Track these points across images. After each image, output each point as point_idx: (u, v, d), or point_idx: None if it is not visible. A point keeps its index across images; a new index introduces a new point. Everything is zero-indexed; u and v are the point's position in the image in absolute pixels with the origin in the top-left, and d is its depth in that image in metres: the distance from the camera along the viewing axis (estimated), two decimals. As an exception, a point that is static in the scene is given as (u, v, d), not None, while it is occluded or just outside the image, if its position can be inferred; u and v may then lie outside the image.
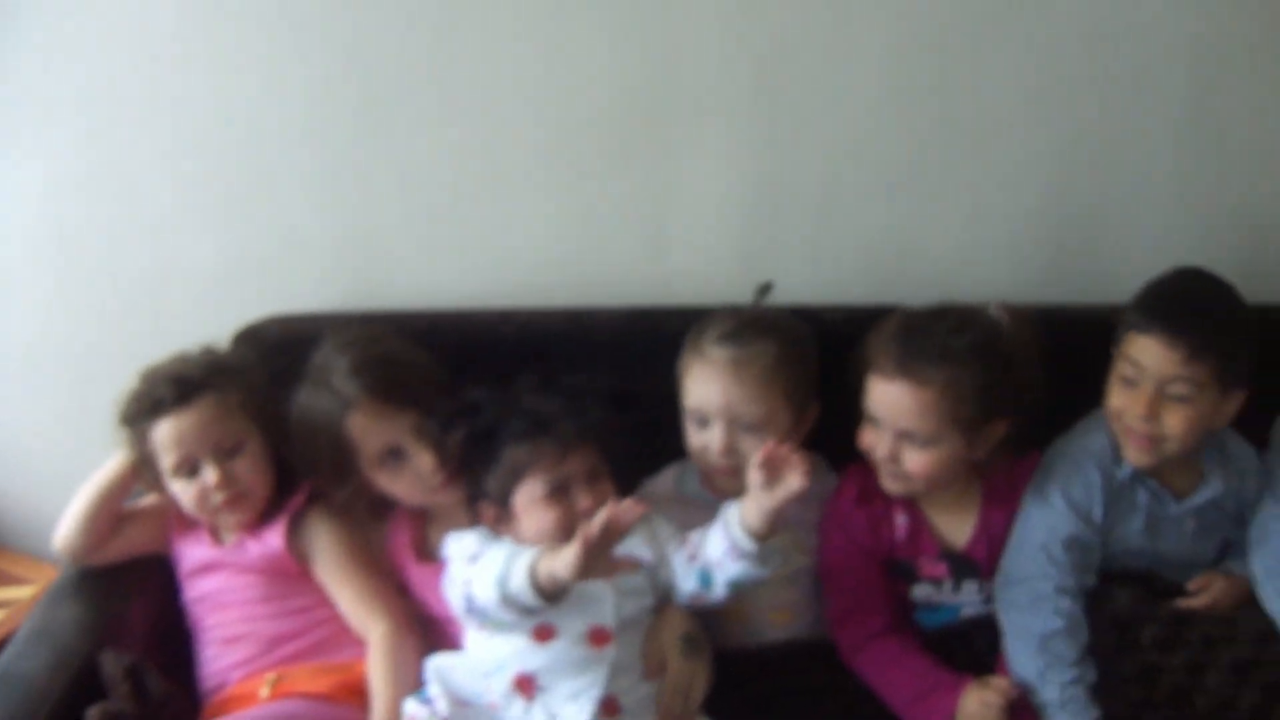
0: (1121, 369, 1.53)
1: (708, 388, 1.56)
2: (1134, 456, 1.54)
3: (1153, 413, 1.49)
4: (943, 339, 1.51)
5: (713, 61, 1.77)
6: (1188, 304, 1.51)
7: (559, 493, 1.44)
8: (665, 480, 1.69)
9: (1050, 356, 1.58)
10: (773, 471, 1.35)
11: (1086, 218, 1.91)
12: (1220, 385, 1.49)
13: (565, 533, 1.37)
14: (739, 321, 1.60)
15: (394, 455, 1.55)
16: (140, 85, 1.74)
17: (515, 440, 1.45)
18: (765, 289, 1.66)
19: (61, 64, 1.73)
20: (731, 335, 1.58)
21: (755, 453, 1.38)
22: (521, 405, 1.48)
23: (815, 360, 1.63)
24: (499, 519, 1.47)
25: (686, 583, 1.46)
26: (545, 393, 1.50)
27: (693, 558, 1.46)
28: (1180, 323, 1.47)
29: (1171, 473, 1.58)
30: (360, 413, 1.53)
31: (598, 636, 1.42)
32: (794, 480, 1.33)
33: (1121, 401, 1.53)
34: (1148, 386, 1.49)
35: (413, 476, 1.56)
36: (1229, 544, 1.65)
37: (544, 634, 1.41)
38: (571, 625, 1.41)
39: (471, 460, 1.49)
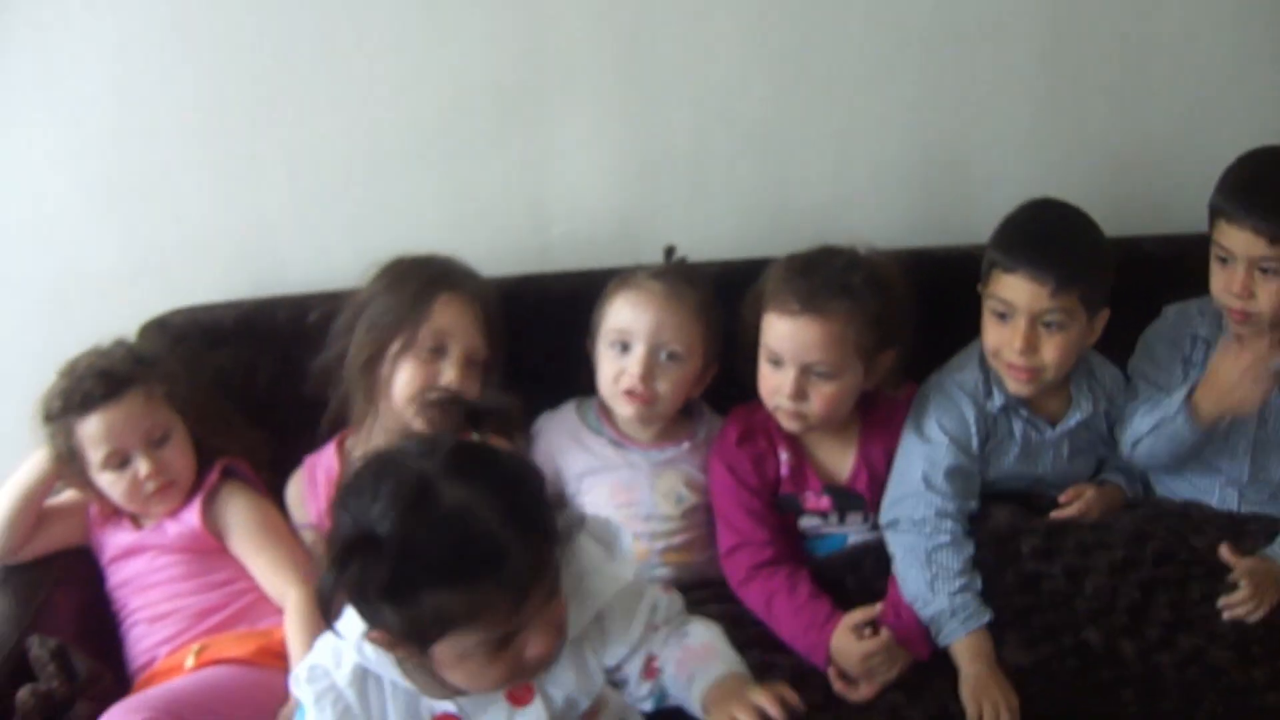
0: (992, 306, 1.59)
1: (636, 312, 1.65)
2: (1015, 388, 1.61)
3: (1030, 346, 1.55)
4: (839, 274, 1.59)
5: (580, 33, 1.82)
6: (1047, 238, 1.57)
7: (505, 642, 1.07)
8: (567, 413, 1.77)
9: (920, 298, 1.64)
10: None
11: (949, 161, 1.97)
12: (1087, 309, 1.56)
13: (509, 685, 1.14)
14: (670, 267, 1.71)
15: None
16: (36, 90, 1.76)
17: (444, 585, 1.01)
18: (670, 251, 1.74)
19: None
20: (662, 273, 1.68)
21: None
22: (446, 526, 1.02)
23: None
24: (395, 645, 1.10)
25: (642, 701, 1.28)
26: (478, 500, 1.03)
27: (653, 687, 1.28)
28: (1044, 258, 1.53)
29: (1043, 400, 1.65)
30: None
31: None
32: None
33: (997, 338, 1.59)
34: (1021, 322, 1.55)
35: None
36: (1103, 462, 1.73)
37: None
38: None
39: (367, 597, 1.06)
